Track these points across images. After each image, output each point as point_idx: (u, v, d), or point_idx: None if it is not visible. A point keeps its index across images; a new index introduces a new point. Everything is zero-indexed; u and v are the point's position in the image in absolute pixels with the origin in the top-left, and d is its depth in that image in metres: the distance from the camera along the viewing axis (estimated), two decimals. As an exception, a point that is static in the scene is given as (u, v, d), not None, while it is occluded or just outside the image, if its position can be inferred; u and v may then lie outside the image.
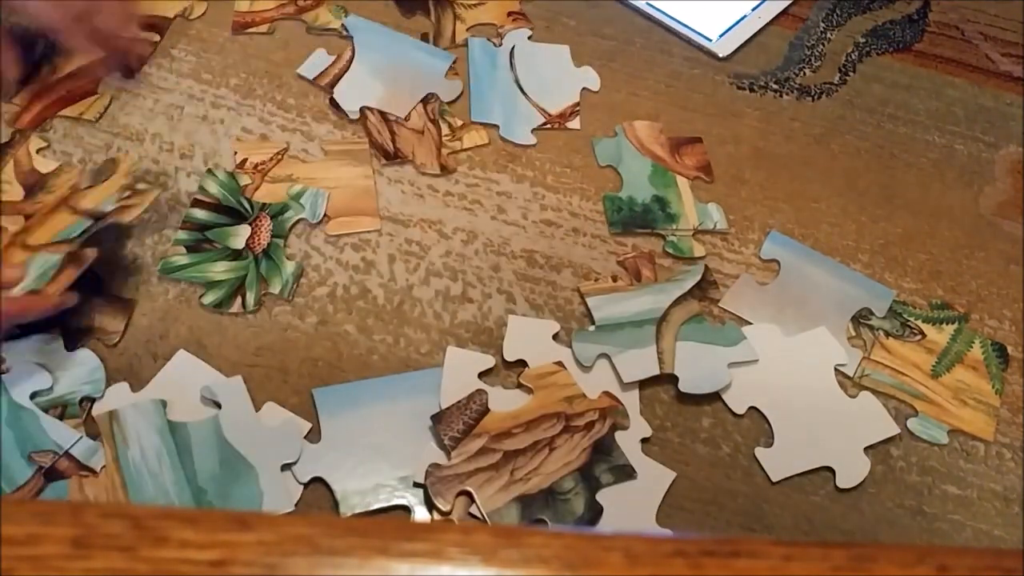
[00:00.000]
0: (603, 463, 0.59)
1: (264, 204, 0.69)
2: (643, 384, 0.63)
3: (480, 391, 0.61)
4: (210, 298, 0.64)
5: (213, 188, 0.70)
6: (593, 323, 0.66)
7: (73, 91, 0.74)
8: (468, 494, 0.57)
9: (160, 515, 0.28)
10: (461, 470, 0.58)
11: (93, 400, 0.59)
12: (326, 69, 0.76)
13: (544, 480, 0.58)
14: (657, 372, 0.63)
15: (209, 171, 0.70)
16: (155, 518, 0.28)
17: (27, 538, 0.27)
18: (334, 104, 0.75)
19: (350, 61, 0.77)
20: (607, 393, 0.62)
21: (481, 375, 0.63)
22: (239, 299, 0.65)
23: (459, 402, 0.60)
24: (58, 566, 0.26)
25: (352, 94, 0.75)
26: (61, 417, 0.58)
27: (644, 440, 0.61)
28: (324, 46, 0.78)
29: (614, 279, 0.69)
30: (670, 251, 0.70)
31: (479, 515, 0.57)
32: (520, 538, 0.28)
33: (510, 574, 0.27)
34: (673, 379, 0.63)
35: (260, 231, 0.68)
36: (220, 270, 0.66)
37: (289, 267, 0.66)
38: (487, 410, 0.60)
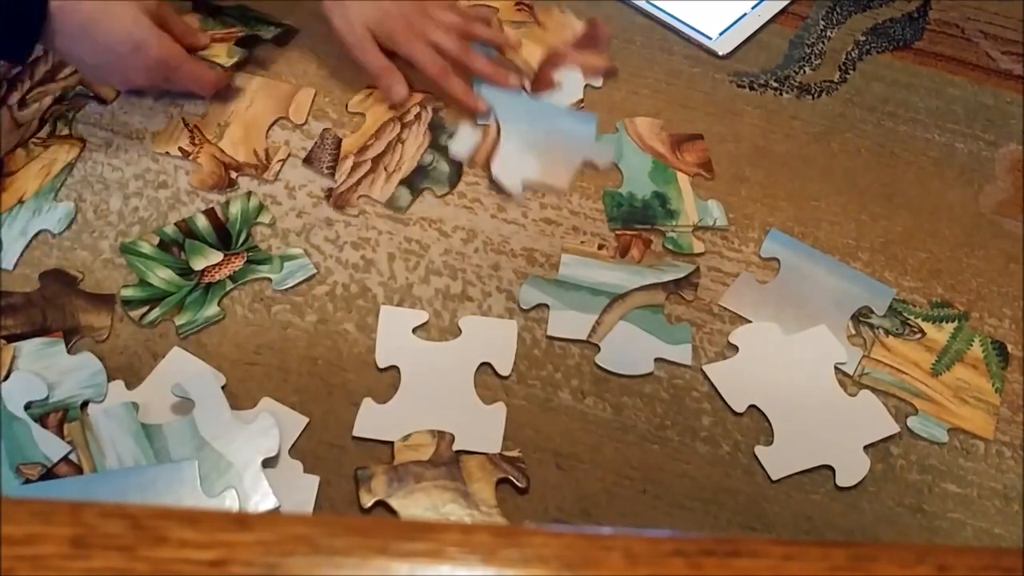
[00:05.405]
0: (443, 134, 0.75)
1: (253, 246, 0.67)
2: (637, 382, 0.64)
3: (325, 130, 0.74)
4: (127, 293, 0.64)
5: (234, 209, 0.69)
6: (557, 275, 0.68)
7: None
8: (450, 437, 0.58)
9: (159, 515, 0.28)
10: (350, 183, 0.71)
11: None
12: (477, 146, 0.73)
13: (411, 163, 0.73)
14: (583, 338, 0.65)
15: (249, 193, 0.70)
16: (154, 517, 0.28)
17: (26, 538, 0.27)
18: (494, 181, 0.72)
19: (498, 135, 0.74)
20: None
21: (415, 330, 0.65)
22: (147, 308, 0.64)
23: (314, 145, 0.72)
24: (57, 566, 0.26)
25: (510, 170, 0.72)
26: (63, 422, 0.58)
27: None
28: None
29: (600, 247, 0.69)
30: (669, 247, 0.70)
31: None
32: (520, 538, 0.28)
33: (510, 574, 0.27)
34: (595, 349, 0.65)
35: (224, 267, 0.66)
36: (159, 277, 0.65)
37: (209, 310, 0.64)
38: (339, 139, 0.73)
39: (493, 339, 0.65)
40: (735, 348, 0.66)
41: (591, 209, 0.72)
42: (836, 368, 0.66)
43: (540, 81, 0.78)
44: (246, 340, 0.64)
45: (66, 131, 0.72)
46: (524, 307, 0.66)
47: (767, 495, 0.61)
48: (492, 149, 0.73)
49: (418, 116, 0.75)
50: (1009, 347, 0.68)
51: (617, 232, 0.70)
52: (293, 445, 0.59)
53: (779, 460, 0.62)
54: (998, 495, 0.62)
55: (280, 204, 0.70)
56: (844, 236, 0.73)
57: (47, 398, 0.59)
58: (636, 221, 0.71)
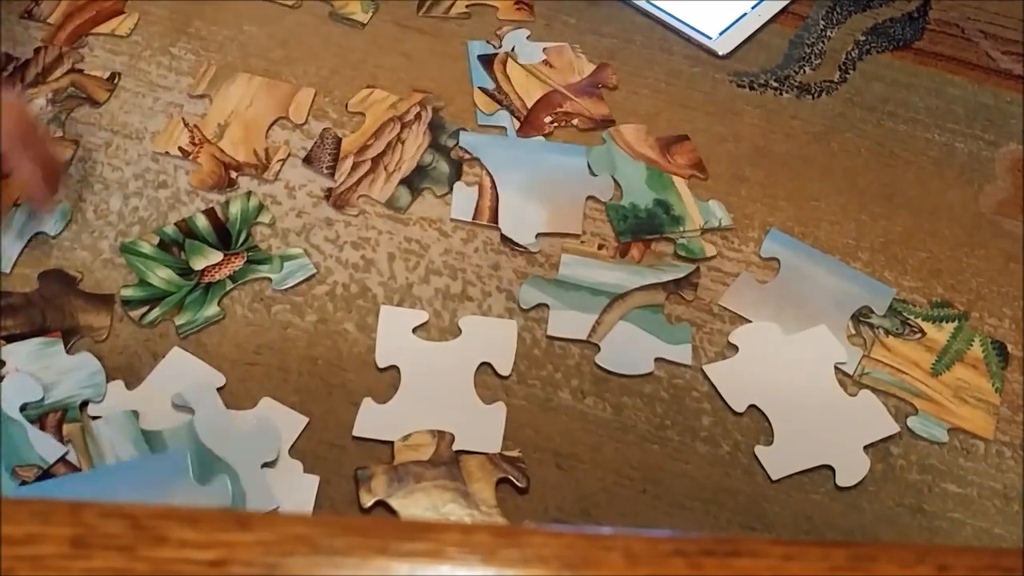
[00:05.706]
0: (443, 134, 0.74)
1: (253, 246, 0.67)
2: (637, 382, 0.64)
3: (325, 129, 0.73)
4: (127, 293, 0.64)
5: (234, 209, 0.69)
6: (557, 275, 0.68)
7: (102, 11, 0.79)
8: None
9: (159, 514, 0.28)
10: (349, 183, 0.71)
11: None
12: (478, 206, 0.71)
13: (411, 163, 0.73)
14: (583, 338, 0.65)
15: (249, 193, 0.70)
16: (154, 517, 0.28)
17: (26, 538, 0.27)
18: (509, 241, 0.69)
19: (494, 188, 0.72)
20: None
21: (415, 330, 0.65)
22: (147, 308, 0.64)
23: (314, 145, 0.72)
24: (57, 566, 0.26)
25: (520, 227, 0.70)
26: (61, 422, 0.58)
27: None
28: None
29: (600, 247, 0.69)
30: (683, 254, 0.70)
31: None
32: (520, 538, 0.28)
33: (510, 574, 0.27)
34: (595, 348, 0.65)
35: (224, 266, 0.66)
36: (159, 277, 0.65)
37: (209, 310, 0.64)
38: (339, 139, 0.73)
39: (493, 339, 0.65)
40: (735, 348, 0.66)
41: (591, 208, 0.72)
42: (836, 368, 0.66)
43: (531, 123, 0.76)
44: (246, 340, 0.64)
45: (59, 133, 0.72)
46: (524, 307, 0.66)
47: (767, 495, 0.61)
48: (494, 205, 0.71)
49: (418, 116, 0.75)
50: (1009, 347, 0.68)
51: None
52: (293, 445, 0.59)
53: (779, 460, 0.62)
54: (998, 495, 0.62)
55: (280, 204, 0.70)
56: (844, 236, 0.73)
57: (43, 399, 0.59)
58: (644, 231, 0.71)
